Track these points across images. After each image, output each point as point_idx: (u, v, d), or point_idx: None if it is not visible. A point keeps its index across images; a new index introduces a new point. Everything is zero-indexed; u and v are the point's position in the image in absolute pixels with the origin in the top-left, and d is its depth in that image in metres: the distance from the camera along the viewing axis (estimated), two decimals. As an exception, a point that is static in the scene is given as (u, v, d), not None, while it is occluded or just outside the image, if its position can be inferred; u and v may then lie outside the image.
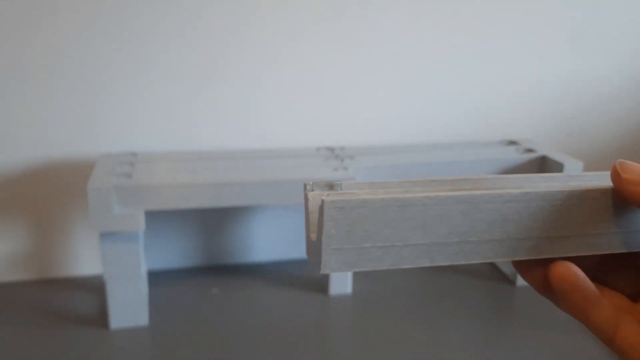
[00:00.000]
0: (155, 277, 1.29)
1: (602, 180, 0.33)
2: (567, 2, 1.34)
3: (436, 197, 0.29)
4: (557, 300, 0.32)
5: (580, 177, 0.35)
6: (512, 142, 1.35)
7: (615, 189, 0.31)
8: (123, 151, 1.22)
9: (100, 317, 1.14)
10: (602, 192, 0.31)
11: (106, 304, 1.10)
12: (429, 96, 1.34)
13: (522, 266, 0.33)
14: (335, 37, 1.25)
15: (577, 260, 0.31)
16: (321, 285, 1.27)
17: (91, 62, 1.17)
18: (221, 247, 1.36)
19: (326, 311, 1.21)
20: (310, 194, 0.32)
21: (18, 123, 1.18)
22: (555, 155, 1.25)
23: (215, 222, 1.33)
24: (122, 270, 1.08)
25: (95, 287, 1.25)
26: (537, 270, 0.32)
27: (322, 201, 0.28)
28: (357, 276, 1.28)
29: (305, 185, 0.32)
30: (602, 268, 0.34)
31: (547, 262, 0.31)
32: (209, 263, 1.36)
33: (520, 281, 1.30)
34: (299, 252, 1.40)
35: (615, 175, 0.30)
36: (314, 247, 0.30)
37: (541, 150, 1.28)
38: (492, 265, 1.39)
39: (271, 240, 1.38)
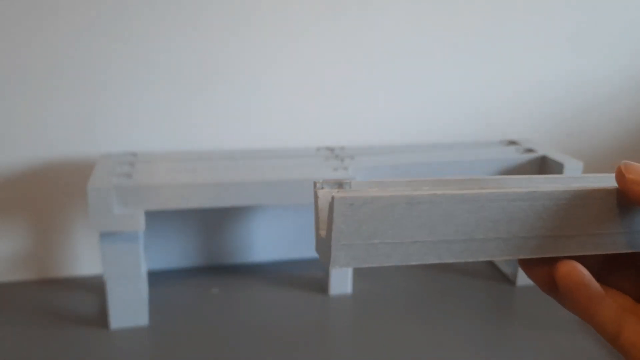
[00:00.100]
0: (155, 277, 1.29)
1: (607, 182, 0.33)
2: (567, 2, 1.34)
3: (443, 195, 0.29)
4: (561, 299, 0.32)
5: (585, 178, 0.35)
6: (512, 142, 1.35)
7: (620, 189, 0.31)
8: (123, 151, 1.22)
9: (100, 317, 1.14)
10: (607, 192, 0.31)
11: (106, 304, 1.10)
12: (429, 96, 1.34)
13: (527, 264, 0.33)
14: (335, 37, 1.25)
15: (581, 260, 0.31)
16: (321, 285, 1.27)
17: (91, 62, 1.17)
18: (221, 247, 1.36)
19: (326, 311, 1.21)
20: (320, 192, 0.32)
21: (18, 123, 1.18)
22: (555, 155, 1.25)
23: (215, 222, 1.33)
24: (122, 270, 1.08)
25: (95, 287, 1.25)
26: (542, 268, 0.33)
27: (333, 197, 0.28)
28: (357, 276, 1.28)
29: (315, 184, 0.33)
30: (606, 268, 0.35)
31: (552, 261, 0.32)
32: (209, 263, 1.36)
33: (520, 281, 1.30)
34: (299, 252, 1.40)
35: (620, 176, 0.31)
36: (324, 244, 0.30)
37: (541, 150, 1.28)
38: (492, 265, 1.39)
39: (271, 240, 1.38)
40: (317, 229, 0.32)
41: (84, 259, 1.30)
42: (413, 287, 1.30)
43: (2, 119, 1.17)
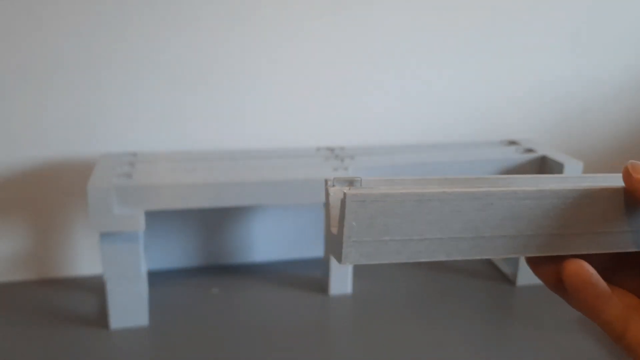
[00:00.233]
0: (155, 277, 1.29)
1: (614, 181, 0.34)
2: (567, 2, 1.34)
3: (453, 192, 0.30)
4: (568, 297, 0.32)
5: (592, 178, 0.35)
6: (512, 142, 1.35)
7: (627, 188, 0.31)
8: (123, 151, 1.22)
9: (100, 317, 1.14)
10: (614, 191, 0.32)
11: (106, 304, 1.10)
12: (429, 96, 1.34)
13: (534, 262, 0.34)
14: (335, 37, 1.25)
15: (587, 259, 0.31)
16: (321, 285, 1.27)
17: (91, 62, 1.17)
18: (221, 247, 1.36)
19: (326, 311, 1.21)
20: (332, 189, 0.33)
21: (18, 123, 1.18)
22: (555, 155, 1.25)
23: (215, 222, 1.33)
24: (122, 270, 1.08)
25: (95, 287, 1.25)
26: (549, 267, 0.33)
27: (344, 194, 0.29)
28: (357, 276, 1.28)
29: (326, 181, 0.33)
30: (612, 267, 0.35)
31: (559, 259, 0.32)
32: (209, 263, 1.36)
33: (521, 281, 1.30)
34: (299, 252, 1.40)
35: (627, 176, 0.31)
36: (335, 240, 0.31)
37: (541, 150, 1.28)
38: (492, 265, 1.39)
39: (271, 240, 1.38)
40: (328, 225, 0.32)
41: (84, 259, 1.30)
42: (413, 287, 1.30)
43: (2, 119, 1.17)
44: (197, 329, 1.12)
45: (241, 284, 1.29)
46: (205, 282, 1.29)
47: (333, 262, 1.21)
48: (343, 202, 0.29)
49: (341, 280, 1.24)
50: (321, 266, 1.31)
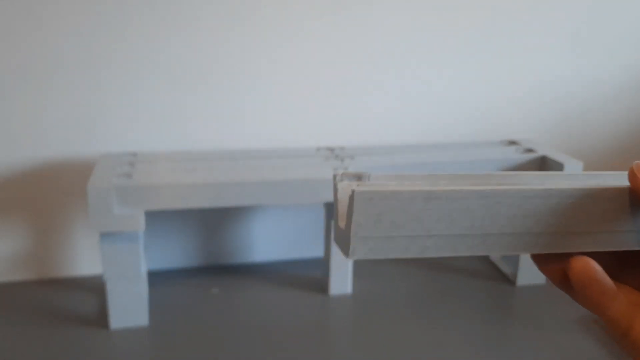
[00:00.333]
0: (155, 277, 1.29)
1: (621, 179, 0.34)
2: (567, 3, 1.34)
3: (461, 191, 0.30)
4: (574, 294, 0.32)
5: (599, 176, 0.36)
6: (512, 142, 1.35)
7: (632, 189, 0.32)
8: (123, 151, 1.22)
9: (100, 317, 1.14)
10: (619, 191, 0.32)
11: (106, 304, 1.10)
12: (428, 96, 1.34)
13: (540, 259, 0.34)
14: (335, 37, 1.25)
15: (593, 257, 0.32)
16: (321, 285, 1.27)
17: (91, 62, 1.17)
18: (221, 247, 1.36)
19: (326, 311, 1.21)
20: (340, 184, 0.33)
21: (18, 123, 1.18)
22: (555, 155, 1.25)
23: (215, 222, 1.33)
24: (122, 270, 1.08)
25: (95, 287, 1.25)
26: (555, 263, 0.33)
27: (353, 191, 0.29)
28: (357, 276, 1.28)
29: (334, 176, 0.34)
30: (617, 265, 0.35)
31: (565, 256, 0.32)
32: (209, 263, 1.36)
33: (520, 281, 1.30)
34: (299, 252, 1.40)
35: (632, 176, 0.32)
36: (343, 235, 0.31)
37: (541, 150, 1.28)
38: (492, 265, 1.39)
39: (271, 240, 1.38)
40: (337, 220, 0.33)
41: (84, 259, 1.30)
42: (413, 287, 1.30)
43: (2, 119, 1.17)
44: (197, 329, 1.12)
45: (241, 284, 1.29)
46: (205, 282, 1.29)
47: (333, 262, 1.21)
48: (351, 199, 0.29)
49: (341, 280, 1.24)
50: (321, 266, 1.31)
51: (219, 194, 1.07)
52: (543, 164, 1.26)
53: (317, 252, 1.36)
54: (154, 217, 1.25)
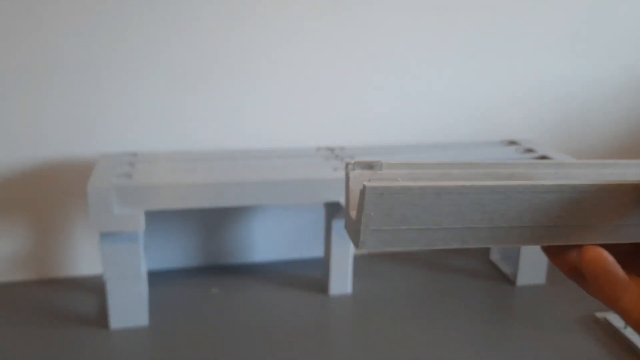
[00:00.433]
0: (155, 277, 1.29)
1: (636, 167, 0.34)
2: (567, 3, 1.34)
3: (473, 186, 0.30)
4: (586, 284, 0.32)
5: (614, 164, 0.36)
6: (512, 142, 1.35)
7: None
8: (123, 151, 1.22)
9: (100, 317, 1.14)
10: (631, 187, 0.32)
11: (106, 304, 1.10)
12: (428, 96, 1.34)
13: (551, 251, 0.34)
14: (335, 37, 1.25)
15: (604, 248, 0.32)
16: (321, 285, 1.27)
17: (91, 62, 1.17)
18: (221, 247, 1.36)
19: (326, 311, 1.21)
20: (352, 173, 0.34)
21: (18, 123, 1.18)
22: (555, 155, 1.25)
23: (215, 222, 1.33)
24: (122, 270, 1.08)
25: (95, 287, 1.25)
26: (566, 254, 0.33)
27: (364, 186, 0.29)
28: (357, 276, 1.28)
29: (346, 165, 0.34)
30: (628, 257, 0.35)
31: (576, 246, 0.32)
32: (209, 263, 1.36)
33: (520, 281, 1.30)
34: (299, 252, 1.40)
35: None
36: (353, 225, 0.31)
37: (541, 150, 1.28)
38: (492, 265, 1.39)
39: (271, 240, 1.38)
40: (347, 208, 0.33)
41: (84, 259, 1.30)
42: (413, 287, 1.30)
43: (2, 119, 1.17)
44: (197, 329, 1.12)
45: (241, 284, 1.29)
46: (205, 282, 1.29)
47: (333, 262, 1.21)
48: (362, 194, 0.29)
49: (341, 280, 1.24)
50: (321, 266, 1.31)
51: (219, 194, 1.07)
52: (543, 164, 1.25)
53: (317, 252, 1.36)
54: (154, 217, 1.25)
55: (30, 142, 1.19)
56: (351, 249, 1.21)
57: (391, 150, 1.27)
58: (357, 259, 1.32)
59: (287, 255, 1.40)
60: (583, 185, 0.31)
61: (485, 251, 1.43)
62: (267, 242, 1.37)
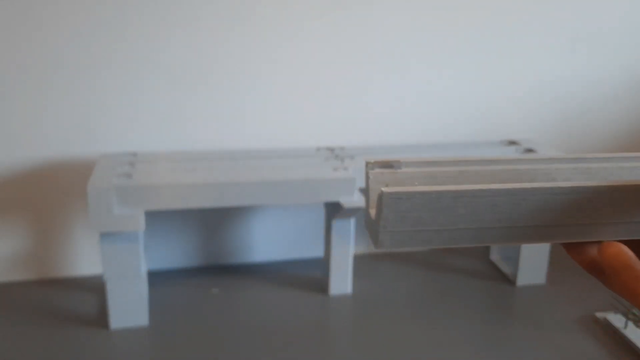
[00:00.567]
0: (155, 277, 1.29)
1: None
2: (567, 4, 1.34)
3: (489, 190, 0.31)
4: (604, 278, 0.33)
5: (635, 158, 0.36)
6: (512, 142, 1.35)
7: None
8: (123, 151, 1.22)
9: (100, 317, 1.14)
10: None
11: (106, 304, 1.10)
12: (428, 96, 1.34)
13: (570, 246, 0.35)
14: (335, 37, 1.25)
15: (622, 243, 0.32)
16: (321, 285, 1.27)
17: (91, 62, 1.17)
18: (221, 247, 1.36)
19: (326, 311, 1.21)
20: (372, 173, 0.35)
21: (18, 123, 1.18)
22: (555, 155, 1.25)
23: (215, 222, 1.33)
24: (122, 270, 1.07)
25: (95, 287, 1.25)
26: (585, 250, 0.34)
27: (382, 192, 0.30)
28: (357, 276, 1.28)
29: (367, 164, 0.35)
30: None
31: (596, 243, 0.33)
32: (209, 263, 1.36)
33: (520, 281, 1.29)
34: (299, 252, 1.40)
35: None
36: (373, 225, 0.33)
37: (541, 150, 1.28)
38: (492, 265, 1.39)
39: (271, 240, 1.38)
40: (367, 206, 0.34)
41: (84, 259, 1.30)
42: (413, 287, 1.30)
43: (2, 119, 1.17)
44: (197, 329, 1.12)
45: (241, 284, 1.29)
46: (205, 282, 1.29)
47: (333, 262, 1.21)
48: (380, 199, 0.30)
49: (341, 280, 1.24)
50: (321, 266, 1.31)
51: (219, 194, 1.07)
52: (543, 164, 1.25)
53: (317, 252, 1.36)
54: (154, 217, 1.25)
55: (30, 142, 1.19)
56: (351, 249, 1.21)
57: (391, 150, 1.27)
58: (357, 259, 1.32)
59: (287, 255, 1.40)
60: (597, 187, 0.32)
61: (485, 251, 1.43)
62: (267, 242, 1.37)
